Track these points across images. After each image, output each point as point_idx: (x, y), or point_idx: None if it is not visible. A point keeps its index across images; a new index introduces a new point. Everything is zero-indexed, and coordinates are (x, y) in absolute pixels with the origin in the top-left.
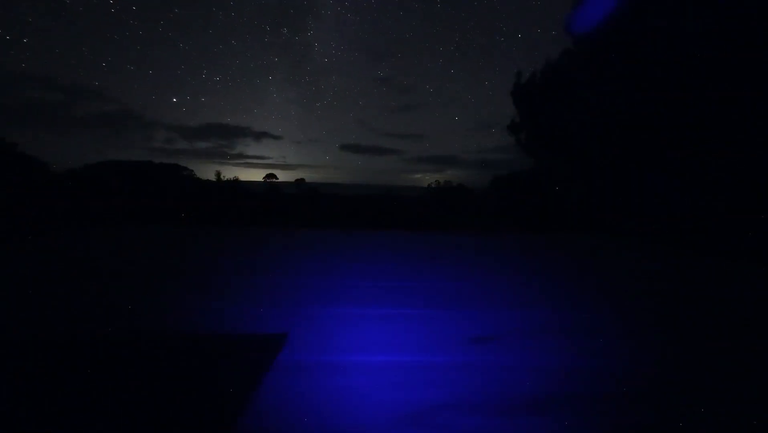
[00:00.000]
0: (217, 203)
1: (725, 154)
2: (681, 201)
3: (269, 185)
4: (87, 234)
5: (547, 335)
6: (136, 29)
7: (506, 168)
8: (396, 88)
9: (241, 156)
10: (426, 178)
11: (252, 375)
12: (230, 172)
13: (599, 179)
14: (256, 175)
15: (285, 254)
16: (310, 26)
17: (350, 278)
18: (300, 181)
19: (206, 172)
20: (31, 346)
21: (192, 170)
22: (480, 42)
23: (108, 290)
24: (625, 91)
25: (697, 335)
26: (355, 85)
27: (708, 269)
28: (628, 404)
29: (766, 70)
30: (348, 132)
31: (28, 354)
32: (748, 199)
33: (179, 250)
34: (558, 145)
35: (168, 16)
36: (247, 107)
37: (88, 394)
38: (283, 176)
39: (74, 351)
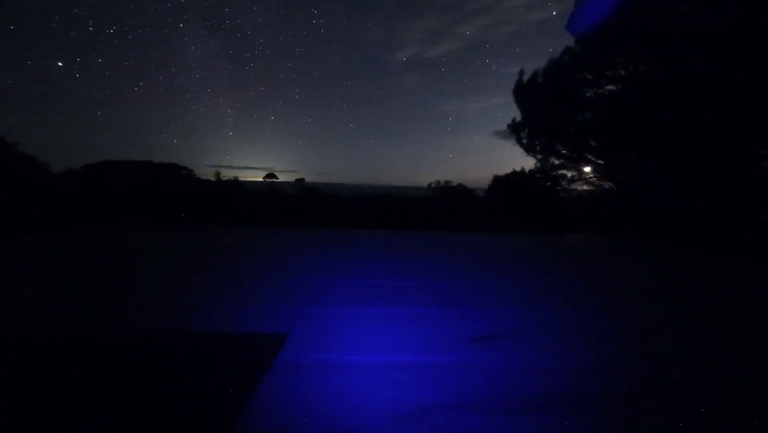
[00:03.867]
0: (216, 203)
1: (727, 154)
2: (682, 201)
3: (269, 185)
4: (86, 234)
5: (548, 334)
6: None
7: None
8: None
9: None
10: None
11: (252, 375)
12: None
13: (600, 178)
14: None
15: (285, 253)
16: None
17: (351, 278)
18: (300, 181)
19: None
20: (31, 346)
21: (192, 170)
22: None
23: (107, 290)
24: (627, 90)
25: (698, 334)
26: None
27: (708, 269)
28: (629, 404)
29: (767, 69)
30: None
31: (28, 354)
32: (749, 199)
33: (178, 250)
34: (559, 143)
35: None
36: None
37: (88, 394)
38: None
39: (74, 351)
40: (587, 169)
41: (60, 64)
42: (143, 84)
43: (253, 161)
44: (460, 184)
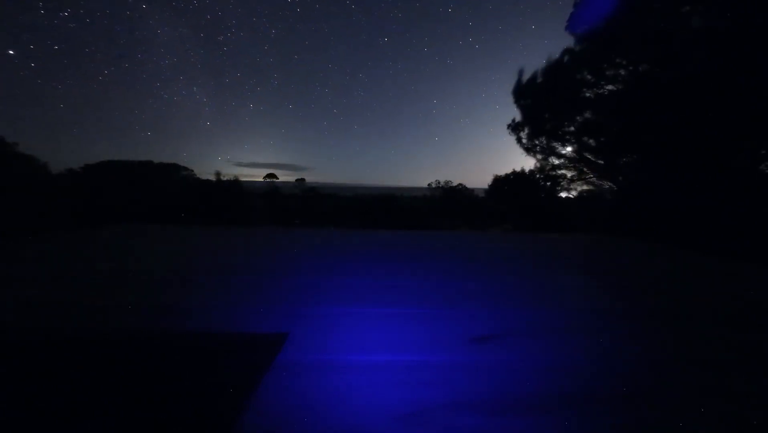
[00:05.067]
0: (217, 203)
1: (727, 154)
2: (682, 201)
3: (269, 185)
4: (86, 234)
5: (547, 334)
6: None
7: None
8: None
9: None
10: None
11: (252, 375)
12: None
13: (600, 178)
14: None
15: (285, 253)
16: None
17: (351, 277)
18: (300, 181)
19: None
20: (30, 346)
21: (192, 170)
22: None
23: (107, 290)
24: (627, 90)
25: (697, 334)
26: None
27: (708, 269)
28: (628, 404)
29: (767, 69)
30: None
31: (27, 354)
32: (749, 199)
33: (179, 250)
34: (559, 143)
35: None
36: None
37: (87, 394)
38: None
39: (74, 351)
40: (587, 168)
41: (11, 52)
42: (108, 73)
43: (234, 153)
44: (459, 184)
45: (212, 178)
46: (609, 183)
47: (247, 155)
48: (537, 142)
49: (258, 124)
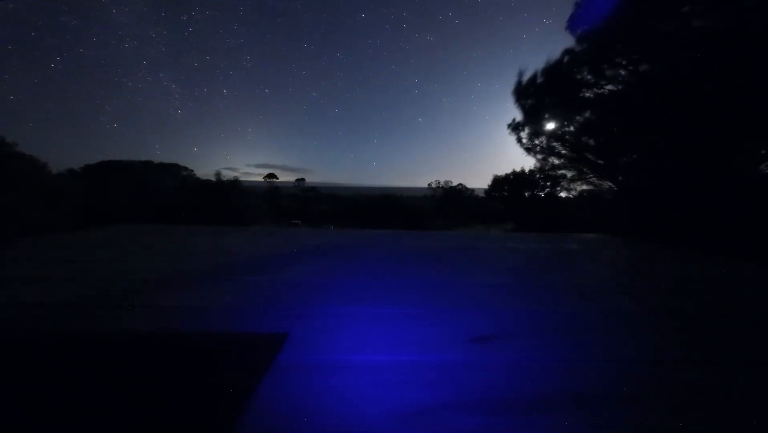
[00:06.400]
0: (217, 203)
1: (727, 154)
2: (682, 201)
3: (269, 185)
4: (87, 234)
5: (548, 334)
6: None
7: None
8: None
9: None
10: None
11: (252, 375)
12: None
13: (600, 178)
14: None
15: (285, 252)
16: None
17: (350, 277)
18: (300, 181)
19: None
20: (30, 346)
21: (192, 170)
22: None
23: (107, 290)
24: (627, 90)
25: (698, 335)
26: None
27: (708, 269)
28: (629, 404)
29: (767, 69)
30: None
31: (27, 354)
32: (749, 199)
33: (178, 249)
34: (559, 143)
35: None
36: None
37: (87, 394)
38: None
39: (74, 351)
40: (587, 169)
41: None
42: (60, 60)
43: (213, 146)
44: (459, 184)
45: (212, 178)
46: (609, 183)
47: (225, 147)
48: (537, 142)
49: (233, 110)
